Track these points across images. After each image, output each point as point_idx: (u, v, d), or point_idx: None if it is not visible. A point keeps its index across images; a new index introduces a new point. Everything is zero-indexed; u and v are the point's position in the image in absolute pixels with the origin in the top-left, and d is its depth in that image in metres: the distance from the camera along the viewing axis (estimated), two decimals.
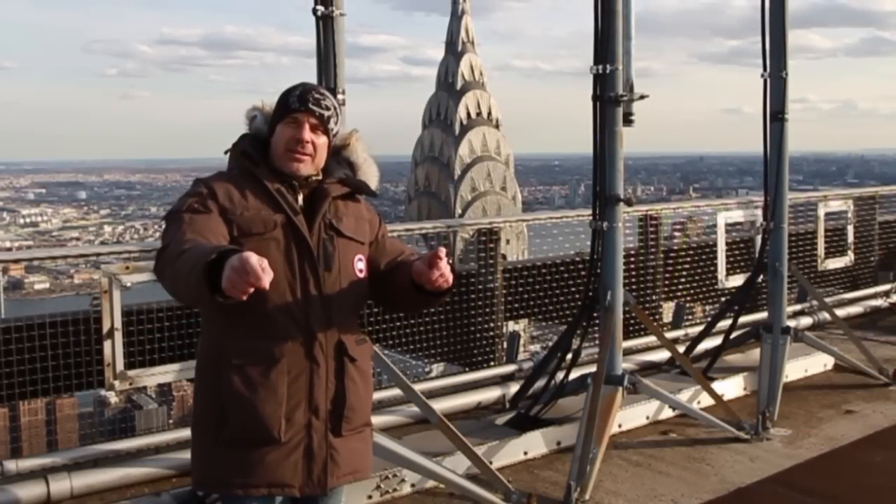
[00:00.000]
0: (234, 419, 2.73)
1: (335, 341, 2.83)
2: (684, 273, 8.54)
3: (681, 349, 6.96)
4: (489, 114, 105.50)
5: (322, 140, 2.88)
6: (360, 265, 2.90)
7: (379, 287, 3.00)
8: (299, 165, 2.84)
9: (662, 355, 7.29)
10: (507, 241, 7.85)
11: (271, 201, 2.78)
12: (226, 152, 2.93)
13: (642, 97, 5.64)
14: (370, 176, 3.06)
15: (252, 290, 2.27)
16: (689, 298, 8.65)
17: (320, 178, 2.92)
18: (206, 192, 2.77)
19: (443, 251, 2.73)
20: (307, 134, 2.83)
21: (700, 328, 7.59)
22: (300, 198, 2.85)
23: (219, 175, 2.88)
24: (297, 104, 2.84)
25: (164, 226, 2.78)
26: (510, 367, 6.77)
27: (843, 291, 10.04)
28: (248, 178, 2.84)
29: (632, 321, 7.15)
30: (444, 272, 2.74)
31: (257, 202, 2.78)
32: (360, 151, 3.05)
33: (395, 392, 5.69)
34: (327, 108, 2.88)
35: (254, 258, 2.24)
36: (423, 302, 2.95)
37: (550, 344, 6.72)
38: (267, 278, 2.25)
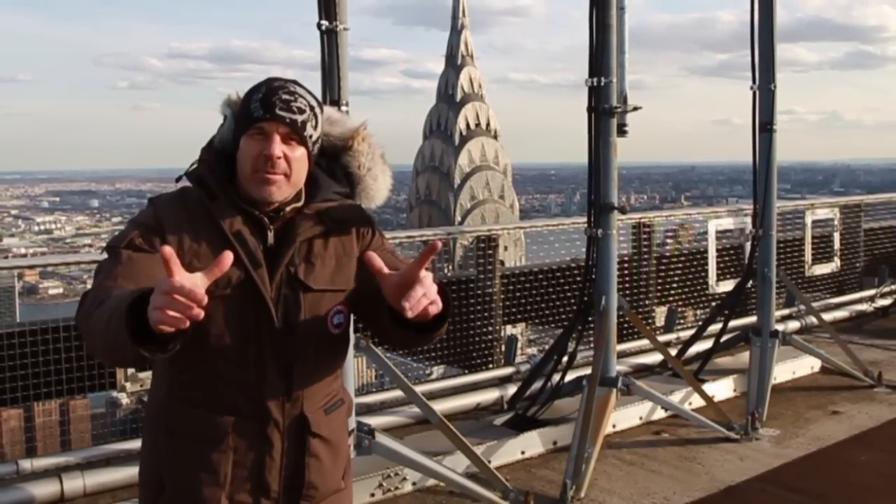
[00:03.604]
0: (170, 494, 2.23)
1: (295, 416, 2.23)
2: (676, 278, 8.55)
3: (673, 352, 6.95)
4: (488, 125, 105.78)
5: (298, 152, 2.17)
6: (337, 319, 2.26)
7: (363, 316, 2.35)
8: (271, 189, 2.15)
9: (655, 358, 7.28)
10: (506, 248, 7.87)
11: (227, 250, 1.98)
12: (178, 179, 2.23)
13: (635, 109, 5.65)
14: (373, 191, 2.38)
15: (187, 320, 1.72)
16: (680, 303, 8.66)
17: (300, 203, 2.24)
18: (153, 224, 2.17)
19: (438, 245, 1.99)
20: (277, 148, 2.13)
21: (691, 332, 7.58)
22: (270, 235, 2.19)
23: (178, 199, 2.24)
24: (261, 111, 2.14)
25: (103, 258, 2.19)
26: (508, 370, 6.76)
27: (830, 296, 10.04)
28: (205, 213, 2.18)
29: (625, 325, 7.15)
30: (429, 291, 1.95)
31: (210, 251, 2.12)
32: (364, 158, 2.35)
33: (397, 393, 5.69)
34: (300, 111, 2.16)
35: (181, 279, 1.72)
36: (408, 338, 2.18)
37: (547, 347, 6.72)
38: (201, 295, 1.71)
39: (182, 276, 1.72)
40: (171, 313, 1.70)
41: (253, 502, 2.23)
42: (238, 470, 2.20)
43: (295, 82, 2.24)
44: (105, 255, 2.17)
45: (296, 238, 2.20)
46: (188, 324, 1.73)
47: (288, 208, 2.22)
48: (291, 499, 2.26)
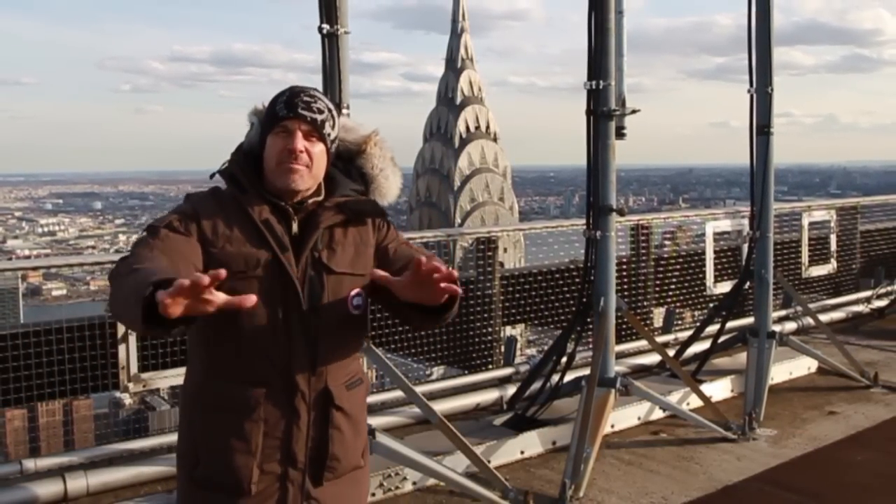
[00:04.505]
0: (205, 464, 2.42)
1: (320, 389, 2.42)
2: (674, 280, 8.54)
3: (671, 353, 6.96)
4: (487, 127, 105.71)
5: (318, 148, 2.44)
6: (356, 301, 2.46)
7: (385, 302, 2.52)
8: (294, 177, 2.40)
9: (653, 359, 7.29)
10: (505, 250, 7.86)
11: (257, 235, 2.38)
12: (212, 176, 2.52)
13: (634, 111, 5.66)
14: (385, 189, 2.63)
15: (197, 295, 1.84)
16: (678, 304, 8.65)
17: (321, 197, 2.49)
18: (191, 213, 2.41)
19: (424, 259, 2.19)
20: (300, 143, 2.40)
21: (689, 333, 7.58)
22: (294, 225, 2.43)
23: (211, 195, 2.49)
24: (285, 111, 2.41)
25: (141, 234, 2.40)
26: (508, 370, 6.77)
27: (827, 297, 10.04)
28: (235, 204, 2.43)
29: (624, 326, 7.15)
30: (442, 270, 2.16)
31: (241, 235, 2.38)
32: (377, 159, 2.62)
33: (398, 394, 5.69)
34: (320, 112, 2.44)
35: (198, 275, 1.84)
36: (430, 319, 2.40)
37: (546, 348, 6.72)
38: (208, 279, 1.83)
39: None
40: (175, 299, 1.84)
41: (282, 472, 2.41)
42: (268, 440, 2.39)
43: (314, 89, 2.51)
44: (144, 233, 2.37)
45: (319, 225, 2.43)
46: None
47: (310, 201, 2.46)
48: (316, 469, 2.45)
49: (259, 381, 2.38)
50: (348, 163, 2.61)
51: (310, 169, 2.43)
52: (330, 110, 2.48)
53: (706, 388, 6.54)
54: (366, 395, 2.65)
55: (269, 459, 2.39)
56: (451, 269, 2.17)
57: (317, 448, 2.44)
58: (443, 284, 2.17)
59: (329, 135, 2.47)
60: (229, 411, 2.39)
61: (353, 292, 2.46)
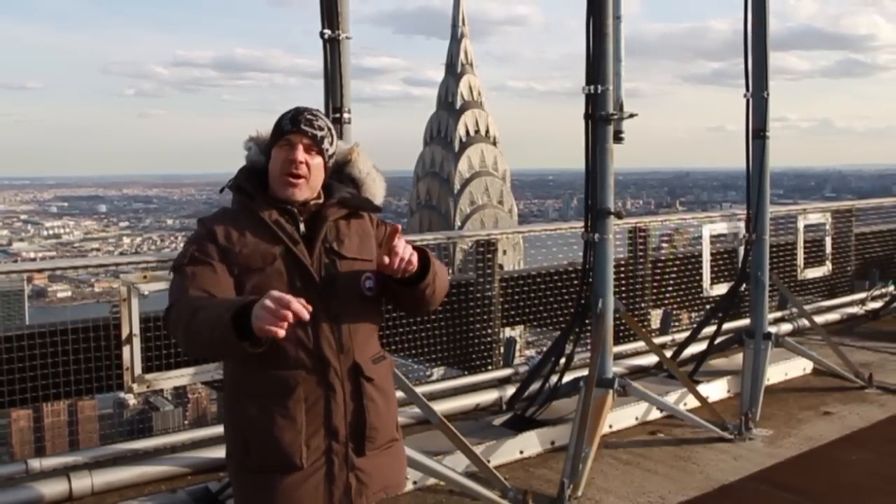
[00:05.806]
0: (255, 449, 2.61)
1: (350, 364, 2.65)
2: (671, 282, 8.55)
3: (668, 354, 6.95)
4: (487, 131, 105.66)
5: (317, 161, 2.69)
6: (368, 283, 2.69)
7: (390, 297, 2.80)
8: (294, 190, 2.66)
9: (651, 360, 7.29)
10: (504, 252, 7.85)
11: (269, 234, 2.62)
12: (221, 190, 2.77)
13: (631, 116, 5.65)
14: (374, 190, 2.88)
15: (288, 320, 2.20)
16: (675, 306, 8.65)
17: (321, 200, 2.74)
18: (205, 235, 2.64)
19: (398, 229, 2.62)
20: (300, 154, 2.65)
21: (686, 334, 7.58)
22: (301, 224, 2.67)
23: (221, 213, 2.74)
24: (289, 126, 2.67)
25: (171, 277, 2.66)
26: (507, 371, 6.76)
27: (822, 299, 10.04)
28: (246, 212, 2.68)
29: (622, 327, 7.15)
30: (403, 255, 2.55)
31: (255, 237, 2.62)
32: (362, 166, 2.87)
33: (399, 394, 5.66)
34: (320, 129, 2.70)
35: (277, 293, 2.23)
36: (410, 296, 2.72)
37: (545, 349, 6.72)
38: (299, 305, 2.22)
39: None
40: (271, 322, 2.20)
41: (326, 447, 2.62)
42: (311, 417, 2.59)
43: (317, 110, 2.78)
44: (173, 275, 2.63)
45: (327, 218, 2.68)
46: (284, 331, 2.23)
47: (312, 202, 2.71)
48: (357, 441, 2.66)
49: (295, 364, 2.58)
50: (339, 173, 2.86)
51: (308, 180, 2.68)
52: (329, 129, 2.76)
53: (703, 389, 6.55)
54: (391, 369, 2.86)
55: (314, 435, 2.59)
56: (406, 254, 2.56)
57: (355, 420, 2.65)
58: (398, 251, 2.53)
59: (327, 150, 2.73)
60: (272, 395, 2.58)
61: (364, 275, 2.69)
